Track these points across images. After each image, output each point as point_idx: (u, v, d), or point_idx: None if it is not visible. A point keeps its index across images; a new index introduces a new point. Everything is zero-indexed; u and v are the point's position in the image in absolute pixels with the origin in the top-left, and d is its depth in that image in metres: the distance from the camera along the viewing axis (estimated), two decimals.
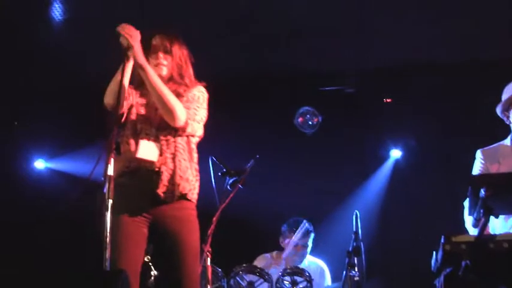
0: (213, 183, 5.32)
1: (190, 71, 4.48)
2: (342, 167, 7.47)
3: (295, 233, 6.52)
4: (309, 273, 5.84)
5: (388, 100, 7.60)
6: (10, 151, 8.00)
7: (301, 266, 6.41)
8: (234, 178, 5.39)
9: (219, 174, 5.39)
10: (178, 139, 4.31)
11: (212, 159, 5.39)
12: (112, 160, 3.88)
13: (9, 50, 6.87)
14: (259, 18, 6.43)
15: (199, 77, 4.49)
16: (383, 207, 7.56)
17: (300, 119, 6.39)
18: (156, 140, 4.27)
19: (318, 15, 6.35)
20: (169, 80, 4.39)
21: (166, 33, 4.46)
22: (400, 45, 6.83)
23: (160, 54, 4.39)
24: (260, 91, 7.43)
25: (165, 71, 4.39)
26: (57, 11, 6.43)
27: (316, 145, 7.40)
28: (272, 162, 6.22)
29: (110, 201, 3.79)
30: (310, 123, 6.38)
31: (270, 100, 7.46)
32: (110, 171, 3.84)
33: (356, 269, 5.53)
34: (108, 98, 4.23)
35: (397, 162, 7.85)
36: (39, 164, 8.36)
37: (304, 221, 6.57)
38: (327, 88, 7.36)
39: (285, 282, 5.83)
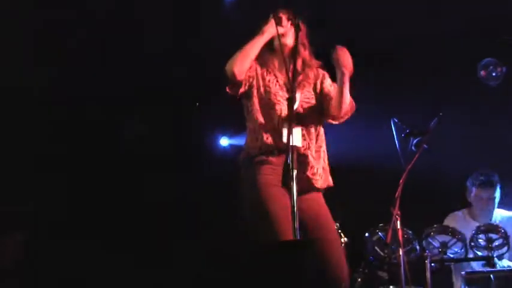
0: (397, 145, 5.27)
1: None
2: None
3: (477, 187, 6.30)
4: (504, 230, 5.62)
5: None
6: (197, 129, 8.27)
7: (493, 221, 6.22)
8: (418, 138, 5.31)
9: (403, 135, 5.32)
10: None
11: (394, 120, 5.33)
12: (294, 130, 3.90)
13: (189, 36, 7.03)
14: None
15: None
16: None
17: (483, 72, 6.12)
18: None
19: None
20: (294, 52, 4.34)
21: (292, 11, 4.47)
22: None
23: (288, 24, 4.39)
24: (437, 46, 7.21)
25: (290, 41, 4.38)
26: None
27: (500, 98, 7.11)
28: (456, 118, 6.04)
29: (295, 172, 3.81)
30: (493, 74, 6.10)
31: (447, 54, 7.24)
32: (294, 141, 3.86)
33: None
34: (240, 66, 4.33)
35: None
36: (224, 142, 8.60)
37: (486, 171, 6.32)
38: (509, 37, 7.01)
39: (479, 240, 5.66)
